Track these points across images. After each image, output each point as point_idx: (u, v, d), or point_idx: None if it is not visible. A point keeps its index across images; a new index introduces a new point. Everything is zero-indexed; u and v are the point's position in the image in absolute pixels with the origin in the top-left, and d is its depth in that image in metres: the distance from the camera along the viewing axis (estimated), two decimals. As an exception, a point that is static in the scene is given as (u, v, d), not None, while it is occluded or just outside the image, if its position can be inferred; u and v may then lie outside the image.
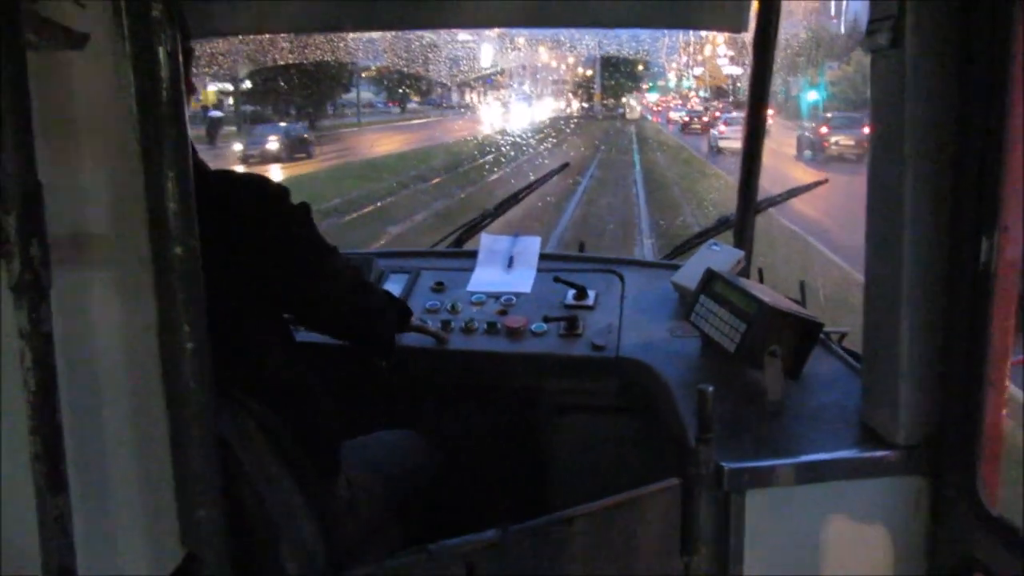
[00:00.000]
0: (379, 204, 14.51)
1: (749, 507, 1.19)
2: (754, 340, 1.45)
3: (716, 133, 25.64)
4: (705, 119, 32.77)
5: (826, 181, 2.61)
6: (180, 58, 0.78)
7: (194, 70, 1.36)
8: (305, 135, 23.67)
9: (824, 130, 21.16)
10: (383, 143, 27.06)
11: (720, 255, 1.95)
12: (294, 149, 21.87)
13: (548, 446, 1.94)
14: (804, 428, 1.35)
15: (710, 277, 1.69)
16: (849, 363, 1.59)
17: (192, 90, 1.31)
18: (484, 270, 2.19)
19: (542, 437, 1.94)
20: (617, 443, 1.88)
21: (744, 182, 2.14)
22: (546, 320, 1.91)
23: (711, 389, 1.16)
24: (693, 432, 1.20)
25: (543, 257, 2.21)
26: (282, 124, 24.19)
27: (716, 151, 23.77)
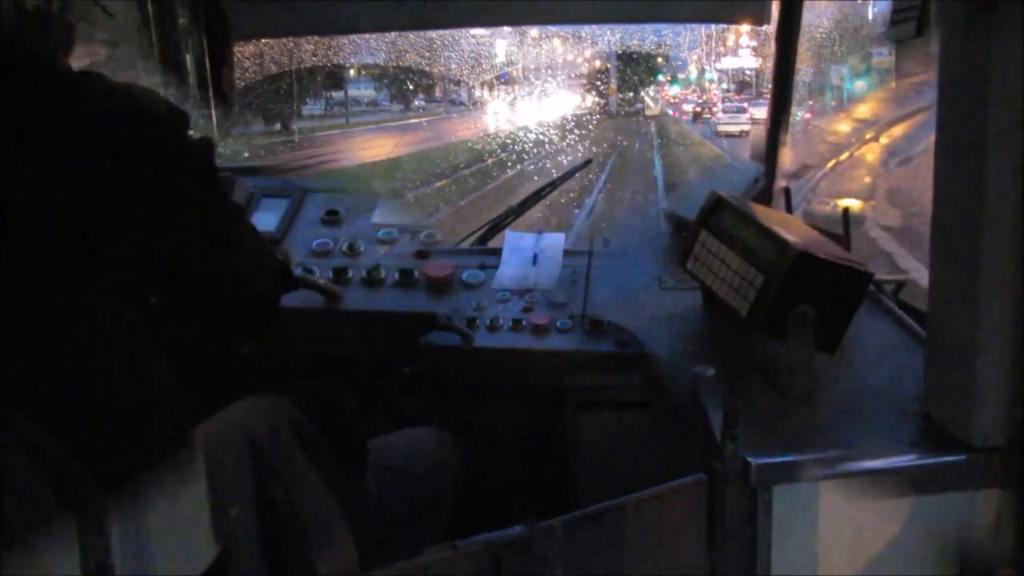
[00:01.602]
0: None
1: (777, 503, 1.17)
2: (775, 299, 1.09)
3: (715, 120, 28.36)
4: (714, 108, 34.16)
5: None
6: (207, 64, 0.79)
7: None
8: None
9: (808, 115, 24.75)
10: (357, 153, 21.92)
11: (730, 172, 1.57)
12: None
13: (574, 442, 1.94)
14: (842, 416, 1.16)
15: (715, 204, 1.24)
16: (908, 325, 1.23)
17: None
18: (509, 267, 2.19)
19: (568, 433, 1.94)
20: (643, 438, 1.87)
21: (771, 135, 2.03)
22: (571, 317, 1.92)
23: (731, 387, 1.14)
24: (718, 425, 1.18)
25: (567, 254, 2.21)
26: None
27: (716, 135, 25.76)
